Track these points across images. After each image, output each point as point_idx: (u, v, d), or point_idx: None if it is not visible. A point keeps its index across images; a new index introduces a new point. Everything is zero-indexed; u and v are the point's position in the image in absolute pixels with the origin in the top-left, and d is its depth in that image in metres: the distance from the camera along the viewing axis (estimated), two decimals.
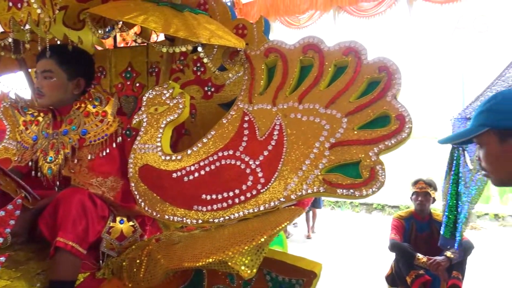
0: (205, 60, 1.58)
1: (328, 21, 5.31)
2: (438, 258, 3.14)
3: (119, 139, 1.81)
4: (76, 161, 1.79)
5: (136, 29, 2.08)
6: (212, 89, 1.93)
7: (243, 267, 1.27)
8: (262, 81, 1.57)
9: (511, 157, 1.08)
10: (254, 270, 1.28)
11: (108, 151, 1.78)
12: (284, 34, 5.16)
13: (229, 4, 4.82)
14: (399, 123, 1.33)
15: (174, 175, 1.62)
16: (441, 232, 2.90)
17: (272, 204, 1.45)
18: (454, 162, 2.97)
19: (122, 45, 2.74)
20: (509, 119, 1.07)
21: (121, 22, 1.60)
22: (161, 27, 1.46)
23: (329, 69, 1.46)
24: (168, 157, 1.64)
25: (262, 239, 1.29)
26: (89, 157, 1.77)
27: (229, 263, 1.27)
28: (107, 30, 1.65)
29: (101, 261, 1.78)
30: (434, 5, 4.28)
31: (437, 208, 3.86)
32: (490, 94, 2.61)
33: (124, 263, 1.73)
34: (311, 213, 5.45)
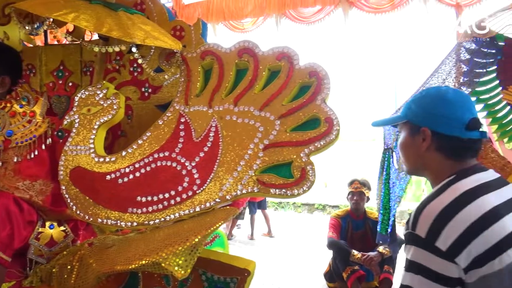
0: (139, 61, 1.57)
1: (272, 26, 5.43)
2: (371, 253, 3.33)
3: (49, 140, 1.73)
4: (0, 164, 1.69)
5: (69, 26, 2.01)
6: (149, 90, 1.91)
7: (176, 268, 1.27)
8: (198, 83, 1.59)
9: (414, 151, 1.13)
10: (188, 270, 1.29)
11: (36, 153, 1.70)
12: (228, 37, 5.20)
13: (170, 4, 4.78)
14: (327, 125, 1.40)
15: (108, 177, 1.58)
16: (378, 229, 3.08)
17: (207, 204, 1.46)
18: (386, 163, 3.18)
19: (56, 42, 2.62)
20: (419, 117, 1.12)
21: (51, 19, 1.54)
22: (93, 26, 1.42)
23: (263, 73, 1.51)
24: (101, 159, 1.60)
25: (196, 239, 1.30)
26: (15, 160, 1.68)
27: (163, 264, 1.27)
28: (35, 26, 1.57)
29: (28, 269, 1.69)
30: (368, 14, 4.53)
31: (372, 206, 4.09)
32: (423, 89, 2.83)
33: (54, 270, 1.66)
34: (258, 215, 5.52)
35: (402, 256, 3.47)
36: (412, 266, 0.98)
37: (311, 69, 1.46)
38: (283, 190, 1.40)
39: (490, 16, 2.62)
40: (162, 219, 1.49)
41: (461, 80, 2.71)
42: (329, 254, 3.63)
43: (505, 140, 2.85)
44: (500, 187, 1.01)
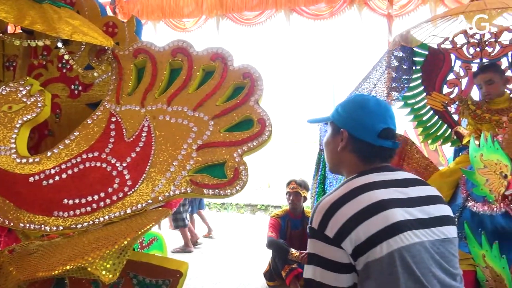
0: (66, 57, 1.50)
1: (214, 27, 5.42)
2: None
3: None
4: None
5: None
6: (80, 88, 1.83)
7: (104, 272, 1.23)
8: (130, 82, 1.55)
9: (333, 149, 1.20)
10: (117, 274, 1.25)
11: None
12: (169, 36, 5.11)
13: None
14: (260, 126, 1.43)
15: (31, 179, 1.49)
16: None
17: (139, 206, 1.43)
18: (321, 163, 3.29)
19: None
20: (341, 119, 1.18)
21: None
22: (13, 18, 1.34)
23: (198, 73, 1.50)
24: (24, 160, 1.50)
25: (125, 242, 1.27)
26: None
27: (89, 269, 1.22)
28: None
29: None
30: (308, 20, 4.67)
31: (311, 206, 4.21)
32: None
33: None
34: (196, 217, 5.46)
35: None
36: (311, 258, 1.03)
37: (245, 70, 1.48)
38: (216, 190, 1.40)
39: (415, 27, 2.81)
40: (91, 222, 1.44)
41: (391, 85, 2.88)
42: (270, 253, 3.68)
43: (429, 142, 3.07)
44: (403, 186, 1.06)
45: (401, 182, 1.08)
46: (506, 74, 2.65)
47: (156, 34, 4.90)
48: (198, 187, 1.41)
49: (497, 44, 2.74)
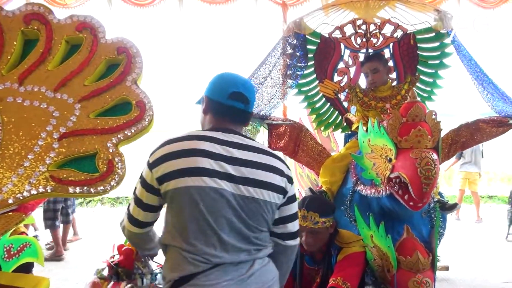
0: None
1: (102, 5, 4.93)
2: None
3: None
4: None
5: None
6: None
7: None
8: None
9: (200, 115, 1.34)
10: None
11: None
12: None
13: None
14: (139, 110, 1.24)
15: None
16: None
17: None
18: None
19: None
20: (206, 89, 1.32)
21: None
22: None
23: (59, 45, 1.24)
24: None
25: None
26: None
27: None
28: None
29: None
30: (203, 4, 4.49)
31: None
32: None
33: None
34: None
35: None
36: (140, 175, 1.22)
37: (120, 44, 1.26)
38: (86, 187, 1.17)
39: (308, 15, 2.82)
40: None
41: (286, 73, 2.86)
42: None
43: (322, 128, 3.15)
44: (232, 147, 1.21)
45: (233, 144, 1.23)
46: (388, 63, 2.81)
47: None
48: (62, 185, 1.16)
49: (380, 35, 2.88)
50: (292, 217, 1.32)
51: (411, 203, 1.87)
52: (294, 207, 1.33)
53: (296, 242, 1.35)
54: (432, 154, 1.81)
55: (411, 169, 1.79)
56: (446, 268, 3.73)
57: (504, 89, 2.63)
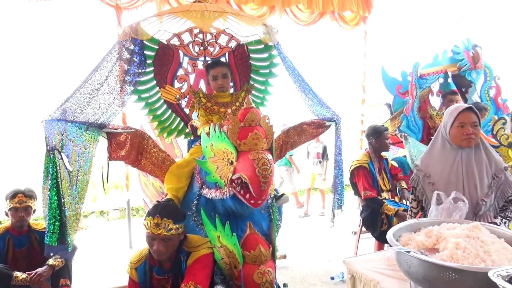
0: None
1: None
2: (39, 269, 2.91)
3: None
4: None
5: None
6: None
7: None
8: None
9: None
10: None
11: None
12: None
13: None
14: None
15: None
16: (46, 242, 2.67)
17: None
18: (51, 165, 2.80)
19: None
20: None
21: None
22: None
23: None
24: None
25: None
26: None
27: None
28: None
29: None
30: None
31: (39, 216, 3.61)
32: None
33: None
34: None
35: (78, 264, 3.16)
36: None
37: None
38: None
39: (145, 20, 2.78)
40: None
41: (124, 79, 2.74)
42: None
43: (165, 135, 3.13)
44: None
45: None
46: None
47: None
48: None
49: (217, 44, 3.04)
50: None
51: (252, 201, 2.03)
52: None
53: None
54: (268, 155, 2.01)
55: (250, 170, 1.95)
56: (284, 257, 4.16)
57: (321, 97, 3.08)
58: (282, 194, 2.74)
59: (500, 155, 3.63)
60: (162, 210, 2.01)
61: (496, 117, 3.86)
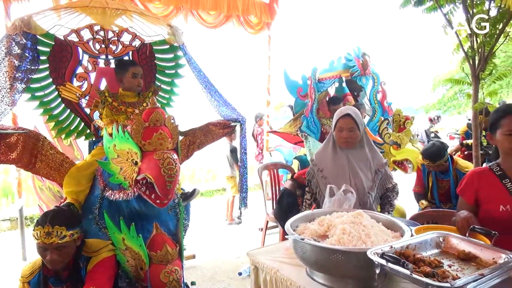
0: None
1: None
2: None
3: None
4: None
5: None
6: None
7: None
8: None
9: None
10: None
11: None
12: None
13: None
14: None
15: None
16: None
17: None
18: None
19: None
20: None
21: None
22: None
23: None
24: None
25: None
26: None
27: None
28: None
29: None
30: None
31: None
32: None
33: None
34: None
35: None
36: None
37: None
38: None
39: (39, 13, 2.60)
40: None
41: (14, 76, 2.53)
42: None
43: (63, 136, 2.94)
44: None
45: None
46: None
47: None
48: None
49: (119, 43, 2.95)
50: None
51: (157, 201, 2.03)
52: None
53: None
54: (173, 154, 2.03)
55: (155, 170, 1.95)
56: (193, 257, 4.18)
57: (227, 98, 3.17)
58: (194, 190, 2.76)
59: (383, 152, 4.13)
60: (52, 218, 1.90)
61: (382, 119, 4.37)
